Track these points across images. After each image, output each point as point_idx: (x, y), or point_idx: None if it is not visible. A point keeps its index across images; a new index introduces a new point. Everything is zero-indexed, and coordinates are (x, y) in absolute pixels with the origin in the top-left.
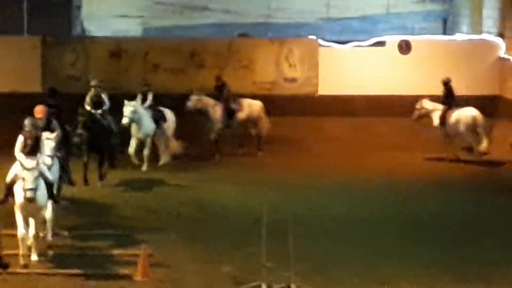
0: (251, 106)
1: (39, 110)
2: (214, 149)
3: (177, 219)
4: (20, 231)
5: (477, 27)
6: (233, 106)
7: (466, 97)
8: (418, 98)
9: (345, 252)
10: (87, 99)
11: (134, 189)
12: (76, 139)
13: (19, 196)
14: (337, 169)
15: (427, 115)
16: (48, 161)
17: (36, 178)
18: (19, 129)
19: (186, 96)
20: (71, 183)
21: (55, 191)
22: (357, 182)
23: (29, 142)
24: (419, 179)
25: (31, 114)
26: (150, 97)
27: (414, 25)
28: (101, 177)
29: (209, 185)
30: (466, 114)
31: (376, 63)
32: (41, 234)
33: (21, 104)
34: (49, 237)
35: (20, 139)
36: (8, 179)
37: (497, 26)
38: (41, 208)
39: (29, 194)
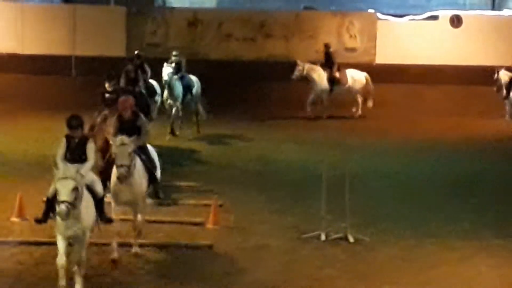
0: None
1: (125, 104)
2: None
3: (245, 174)
4: (60, 258)
5: None
6: (337, 74)
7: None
8: (496, 68)
9: (396, 207)
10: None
11: (206, 146)
12: None
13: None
14: (391, 132)
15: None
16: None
17: (74, 190)
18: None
19: (255, 63)
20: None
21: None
22: (409, 144)
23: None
24: (467, 142)
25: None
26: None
27: (465, 1)
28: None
29: (274, 144)
30: None
31: (429, 36)
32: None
33: (107, 66)
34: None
35: (63, 142)
36: (50, 193)
37: None
38: (83, 230)
39: (62, 206)
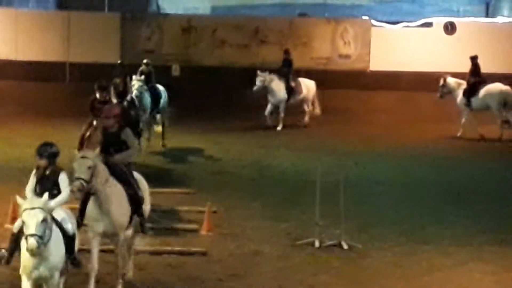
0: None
1: (109, 113)
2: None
3: (239, 180)
4: None
5: None
6: (293, 84)
7: (505, 75)
8: (442, 75)
9: (391, 213)
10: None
11: (200, 153)
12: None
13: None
14: (384, 138)
15: (450, 92)
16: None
17: (42, 223)
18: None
19: (249, 70)
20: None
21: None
22: (402, 150)
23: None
24: (459, 149)
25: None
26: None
27: (459, 8)
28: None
29: (268, 151)
30: (495, 89)
31: (423, 43)
32: None
33: (101, 73)
34: None
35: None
36: (16, 227)
37: None
38: (51, 272)
39: (32, 240)
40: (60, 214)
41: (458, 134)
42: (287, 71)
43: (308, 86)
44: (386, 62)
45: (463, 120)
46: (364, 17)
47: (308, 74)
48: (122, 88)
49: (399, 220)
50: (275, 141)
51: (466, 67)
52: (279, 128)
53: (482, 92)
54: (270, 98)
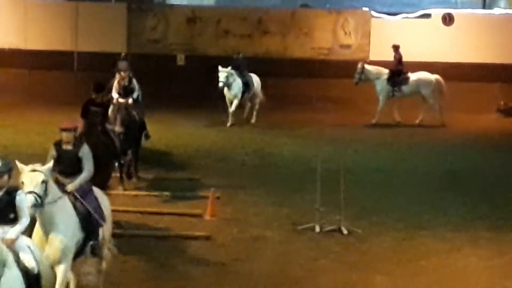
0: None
1: (68, 126)
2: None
3: (242, 167)
4: None
5: None
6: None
7: (501, 65)
8: (361, 62)
9: (389, 200)
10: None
11: (204, 140)
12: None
13: None
14: (383, 126)
15: (368, 79)
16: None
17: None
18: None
19: (252, 59)
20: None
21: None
22: (401, 138)
23: None
24: (457, 137)
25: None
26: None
27: (457, 0)
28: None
29: (270, 139)
30: (429, 77)
31: (421, 33)
32: None
33: (108, 62)
34: None
35: None
36: None
37: None
38: None
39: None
40: (21, 244)
41: (374, 121)
42: (243, 66)
43: (257, 81)
44: (386, 52)
45: (380, 106)
46: (364, 9)
47: (310, 64)
48: (128, 83)
49: (397, 206)
50: (277, 129)
51: (463, 57)
52: (229, 124)
53: (414, 79)
54: (227, 93)
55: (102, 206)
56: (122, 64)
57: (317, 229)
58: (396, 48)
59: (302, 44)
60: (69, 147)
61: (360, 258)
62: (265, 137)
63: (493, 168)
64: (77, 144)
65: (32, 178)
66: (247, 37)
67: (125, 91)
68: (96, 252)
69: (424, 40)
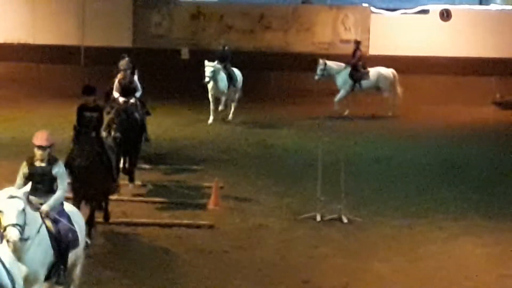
0: None
1: (40, 138)
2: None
3: (245, 158)
4: None
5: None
6: None
7: (497, 59)
8: (321, 58)
9: (388, 190)
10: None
11: (208, 132)
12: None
13: None
14: (383, 119)
15: (330, 75)
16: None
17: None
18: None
19: (253, 53)
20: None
21: None
22: (400, 130)
23: None
24: (455, 128)
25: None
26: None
27: None
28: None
29: (272, 130)
30: (388, 72)
31: (420, 29)
32: None
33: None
34: None
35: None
36: None
37: None
38: None
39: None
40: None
41: (346, 113)
42: (228, 59)
43: (240, 76)
44: (385, 47)
45: (343, 99)
46: (364, 5)
47: (311, 58)
48: (129, 82)
49: (396, 196)
50: (279, 121)
51: (461, 51)
52: (210, 121)
53: (374, 74)
54: (213, 88)
55: (76, 226)
56: (123, 62)
57: (318, 218)
58: (357, 43)
59: (303, 39)
60: (42, 164)
61: (360, 246)
62: (268, 129)
63: (490, 158)
64: (52, 161)
65: (11, 207)
66: (250, 32)
67: (127, 91)
68: (60, 282)
69: (422, 35)
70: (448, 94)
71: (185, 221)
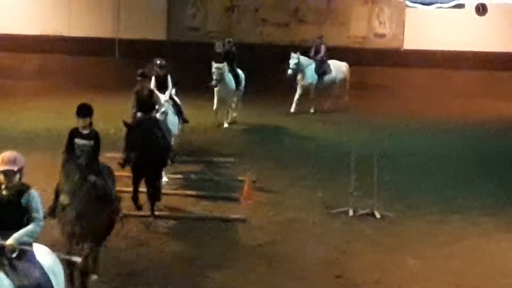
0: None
1: (11, 161)
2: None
3: (278, 151)
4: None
5: None
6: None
7: None
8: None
9: (423, 184)
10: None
11: (242, 126)
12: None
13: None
14: (418, 112)
15: (301, 69)
16: None
17: None
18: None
19: (288, 47)
20: None
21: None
22: (435, 124)
23: None
24: (491, 123)
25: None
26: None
27: None
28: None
29: (306, 124)
30: (342, 65)
31: (455, 23)
32: None
33: (148, 49)
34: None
35: None
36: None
37: None
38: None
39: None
40: None
41: (312, 110)
42: (234, 57)
43: (243, 77)
44: (420, 41)
45: (312, 95)
46: None
47: (345, 52)
48: (147, 96)
49: (430, 190)
50: (313, 115)
51: (496, 47)
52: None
53: (334, 69)
54: (219, 89)
55: (51, 276)
56: (157, 62)
57: (351, 212)
58: (321, 38)
59: (338, 33)
60: (4, 192)
61: (393, 241)
62: (301, 123)
63: None
64: (21, 188)
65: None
66: (284, 25)
67: (144, 105)
68: None
69: (457, 30)
70: (483, 89)
71: (218, 215)
